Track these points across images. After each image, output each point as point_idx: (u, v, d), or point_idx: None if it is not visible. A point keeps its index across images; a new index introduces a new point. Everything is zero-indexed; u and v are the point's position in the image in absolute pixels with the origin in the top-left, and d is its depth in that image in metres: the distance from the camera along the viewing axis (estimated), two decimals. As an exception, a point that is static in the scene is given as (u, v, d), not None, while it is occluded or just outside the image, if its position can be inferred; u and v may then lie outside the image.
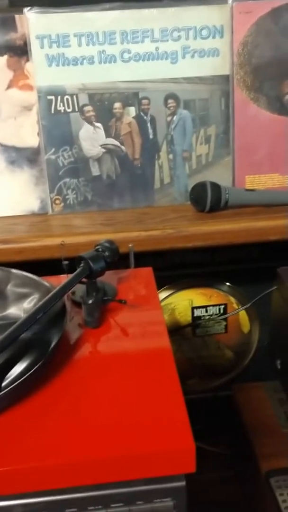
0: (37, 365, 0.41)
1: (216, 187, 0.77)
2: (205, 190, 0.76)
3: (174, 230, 0.74)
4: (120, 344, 0.49)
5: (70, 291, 0.58)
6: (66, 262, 0.59)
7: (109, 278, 0.61)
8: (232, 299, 1.00)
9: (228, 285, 1.00)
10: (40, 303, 0.47)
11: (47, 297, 0.49)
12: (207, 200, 0.76)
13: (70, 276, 0.53)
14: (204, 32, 0.75)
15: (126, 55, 0.75)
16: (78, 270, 0.54)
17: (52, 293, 0.49)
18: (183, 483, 0.40)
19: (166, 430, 0.39)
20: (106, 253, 0.57)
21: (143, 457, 0.38)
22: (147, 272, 0.63)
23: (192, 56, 0.76)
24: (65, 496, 0.39)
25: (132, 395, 0.42)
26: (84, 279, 0.55)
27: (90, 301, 0.52)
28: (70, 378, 0.44)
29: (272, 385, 0.80)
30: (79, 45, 0.74)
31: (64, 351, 0.47)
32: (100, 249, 0.57)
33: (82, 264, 0.55)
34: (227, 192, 0.77)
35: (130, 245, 0.65)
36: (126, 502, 0.40)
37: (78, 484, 0.38)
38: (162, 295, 0.99)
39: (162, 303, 0.99)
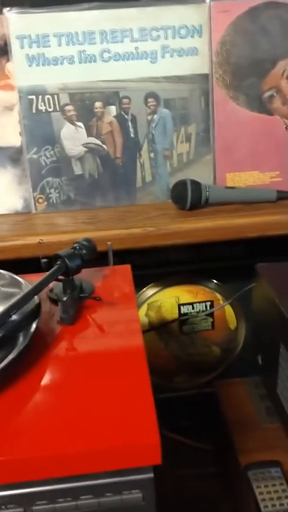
0: (7, 362, 0.42)
1: (196, 185, 0.77)
2: (186, 188, 0.77)
3: (154, 228, 0.75)
4: (94, 341, 0.50)
5: (49, 288, 0.59)
6: (44, 260, 0.60)
7: (88, 275, 0.62)
8: (218, 296, 1.01)
9: (214, 282, 1.01)
10: (13, 300, 0.48)
11: (21, 295, 0.49)
12: (187, 198, 0.77)
13: (46, 274, 0.54)
14: (183, 32, 0.76)
15: (106, 55, 0.76)
16: (54, 268, 0.54)
17: (26, 291, 0.50)
18: (151, 475, 0.40)
19: (133, 424, 0.39)
20: (84, 251, 0.58)
21: (111, 450, 0.39)
22: (125, 270, 0.64)
23: (172, 56, 0.77)
24: (35, 489, 0.40)
25: (103, 391, 0.43)
26: (61, 277, 0.56)
27: (65, 298, 0.53)
28: (42, 374, 0.45)
29: (254, 380, 0.81)
30: (59, 45, 0.75)
31: (37, 348, 0.48)
32: (77, 247, 0.58)
33: (58, 262, 0.55)
34: (207, 189, 0.78)
35: (109, 243, 0.66)
36: (95, 494, 0.40)
37: (48, 477, 0.39)
38: (149, 292, 1.00)
39: (149, 301, 1.00)
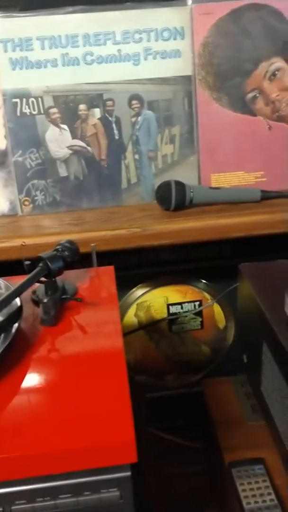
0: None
1: (180, 186, 0.78)
2: (170, 189, 0.78)
3: (140, 229, 0.75)
4: (74, 342, 0.50)
5: (32, 290, 0.60)
6: (28, 263, 0.61)
7: (71, 277, 0.63)
8: (207, 295, 1.01)
9: (203, 282, 1.01)
10: (-6, 302, 0.48)
11: (2, 297, 0.50)
12: (172, 199, 0.78)
13: (27, 276, 0.54)
14: (165, 34, 0.77)
15: (89, 58, 0.76)
16: (36, 270, 0.55)
17: (8, 292, 0.51)
18: (128, 473, 0.41)
19: (109, 423, 0.40)
20: (66, 253, 0.58)
21: (87, 448, 0.39)
22: (108, 271, 0.64)
23: (154, 58, 0.77)
24: (14, 488, 0.40)
25: (81, 391, 0.44)
26: (43, 279, 0.56)
27: (46, 300, 0.53)
28: (21, 375, 0.45)
29: (240, 379, 0.82)
30: (42, 48, 0.75)
31: (18, 349, 0.48)
32: (60, 249, 0.59)
33: (41, 264, 0.56)
34: (191, 190, 0.78)
35: (92, 245, 0.66)
36: (74, 493, 0.41)
37: (26, 476, 0.40)
38: (138, 293, 1.01)
39: (138, 301, 1.01)
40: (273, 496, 0.59)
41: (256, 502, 0.59)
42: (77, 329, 0.53)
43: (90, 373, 0.45)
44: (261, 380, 0.67)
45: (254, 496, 0.60)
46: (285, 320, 0.58)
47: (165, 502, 0.80)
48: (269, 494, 0.60)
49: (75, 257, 0.60)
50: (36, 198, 0.82)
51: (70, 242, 0.60)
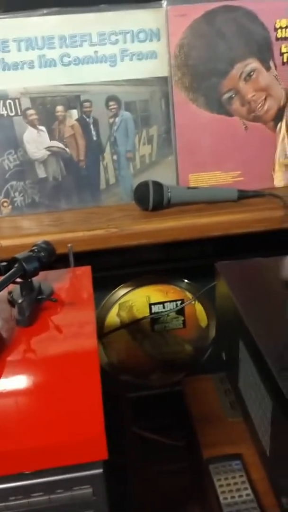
0: None
1: (158, 186, 0.79)
2: (148, 190, 0.78)
3: (118, 229, 0.76)
4: (48, 343, 0.51)
5: (8, 291, 0.60)
6: (4, 264, 0.61)
7: (48, 277, 0.63)
8: (188, 294, 1.02)
9: (184, 281, 1.02)
10: None
11: (-24, 298, 0.50)
12: (149, 199, 0.78)
13: (3, 277, 0.54)
14: (141, 36, 0.77)
15: (65, 59, 0.77)
16: (11, 271, 0.55)
17: (-18, 294, 0.51)
18: (100, 470, 0.42)
19: (80, 422, 0.41)
20: (42, 254, 0.59)
21: (58, 446, 0.40)
22: (85, 271, 0.65)
23: (131, 59, 0.78)
24: (-14, 488, 0.41)
25: (54, 391, 0.44)
26: (19, 279, 0.56)
27: (20, 301, 0.54)
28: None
29: (219, 376, 0.82)
30: (19, 50, 0.75)
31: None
32: (36, 250, 0.59)
33: (16, 265, 0.56)
34: (169, 190, 0.79)
35: (69, 245, 0.67)
36: (46, 491, 0.41)
37: (-2, 476, 0.40)
38: (120, 292, 1.01)
39: (120, 301, 1.02)
40: (249, 491, 0.60)
41: (232, 497, 0.60)
42: (52, 330, 0.53)
43: (63, 373, 0.46)
44: (239, 377, 0.68)
45: (230, 491, 0.60)
46: (259, 318, 0.59)
47: (149, 500, 0.80)
48: (245, 489, 0.60)
49: (51, 258, 0.60)
50: (15, 199, 0.82)
51: (46, 242, 0.60)
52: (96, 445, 0.39)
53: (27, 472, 0.40)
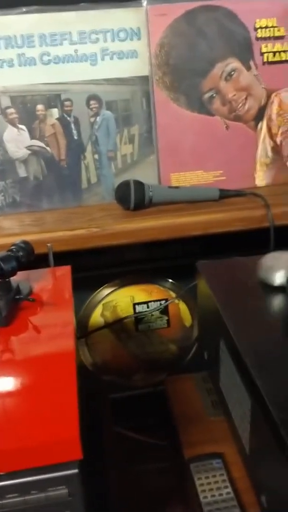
0: None
1: (139, 185, 0.79)
2: (129, 189, 0.78)
3: (99, 229, 0.76)
4: (25, 343, 0.50)
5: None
6: (-18, 264, 0.60)
7: (27, 277, 0.63)
8: (172, 294, 1.02)
9: (168, 281, 1.02)
10: None
11: None
12: (131, 198, 0.78)
13: (-21, 277, 0.54)
14: (122, 35, 0.77)
15: (45, 58, 0.76)
16: (-12, 270, 0.55)
17: None
18: (75, 470, 0.41)
19: (55, 422, 0.40)
20: (20, 253, 0.58)
21: (32, 447, 0.39)
22: (65, 271, 0.64)
23: (111, 58, 0.78)
24: None
25: (30, 391, 0.44)
26: (-4, 279, 0.56)
27: (-3, 300, 0.53)
28: None
29: (202, 375, 0.83)
30: (-2, 48, 0.75)
31: None
32: (14, 250, 0.59)
33: (-7, 265, 0.56)
34: (150, 190, 0.79)
35: (48, 245, 0.66)
36: (21, 492, 0.41)
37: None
38: (104, 292, 1.01)
39: (104, 301, 1.01)
40: (229, 489, 0.60)
41: (213, 495, 0.60)
42: (29, 330, 0.53)
43: (39, 374, 0.45)
44: (220, 376, 0.68)
45: (211, 490, 0.60)
46: (238, 316, 0.59)
47: (133, 499, 0.80)
48: (225, 487, 0.60)
49: (30, 258, 0.60)
50: (-5, 199, 0.81)
51: (25, 242, 0.60)
52: (70, 445, 0.39)
53: (1, 474, 0.40)
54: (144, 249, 1.00)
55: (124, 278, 1.01)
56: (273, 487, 0.51)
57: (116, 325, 1.03)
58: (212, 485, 0.61)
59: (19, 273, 0.62)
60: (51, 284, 0.62)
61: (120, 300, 1.01)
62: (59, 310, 0.56)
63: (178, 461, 0.71)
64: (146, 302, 1.02)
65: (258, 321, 0.58)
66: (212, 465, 0.64)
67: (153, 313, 1.03)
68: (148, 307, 1.03)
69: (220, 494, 0.60)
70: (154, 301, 1.02)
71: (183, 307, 1.04)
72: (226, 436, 0.68)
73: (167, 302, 1.01)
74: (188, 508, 0.66)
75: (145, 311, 1.02)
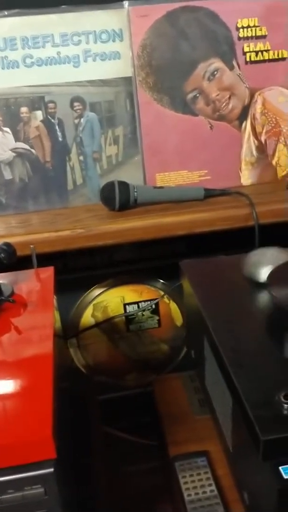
0: None
1: (124, 186, 0.79)
2: (114, 190, 0.78)
3: (84, 230, 0.76)
4: (2, 343, 0.51)
5: None
6: None
7: (9, 278, 0.63)
8: (162, 293, 1.02)
9: (159, 281, 1.02)
10: None
11: None
12: (116, 199, 0.78)
13: None
14: (104, 36, 0.77)
15: (28, 60, 0.77)
16: None
17: None
18: (51, 469, 0.41)
19: (29, 421, 0.41)
20: (2, 255, 0.59)
21: (6, 446, 0.40)
22: (48, 272, 0.65)
23: (94, 60, 0.78)
24: None
25: (5, 391, 0.44)
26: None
27: (-24, 302, 0.54)
28: None
29: (189, 374, 0.83)
30: (-19, 52, 0.75)
31: None
32: (-4, 252, 0.59)
33: (-25, 267, 0.56)
34: (135, 190, 0.79)
35: (31, 246, 0.67)
36: (-3, 492, 0.41)
37: None
38: (94, 293, 1.01)
39: (94, 302, 1.02)
40: (213, 487, 0.60)
41: (196, 493, 0.60)
42: (8, 331, 0.53)
43: (15, 374, 0.46)
44: (205, 375, 0.69)
45: (195, 488, 0.61)
46: (219, 315, 0.59)
47: (122, 499, 0.81)
48: (209, 485, 0.61)
49: (12, 259, 0.60)
50: (-19, 201, 0.82)
51: (7, 244, 0.61)
52: (44, 444, 0.39)
53: (-24, 474, 0.40)
54: (135, 250, 1.00)
55: (115, 278, 1.01)
56: (253, 483, 0.52)
57: (107, 326, 1.03)
58: (196, 483, 0.61)
59: (1, 274, 0.62)
60: (33, 285, 0.63)
61: (110, 300, 1.02)
62: (39, 311, 0.57)
63: (164, 460, 0.71)
64: (137, 302, 1.03)
65: (239, 319, 0.59)
66: (197, 463, 0.64)
67: (144, 313, 1.03)
68: (138, 307, 1.03)
69: (204, 492, 0.60)
70: (144, 301, 1.02)
71: (174, 306, 1.04)
72: (212, 434, 0.68)
73: (154, 301, 1.01)
74: (173, 506, 0.66)
75: (135, 311, 1.02)
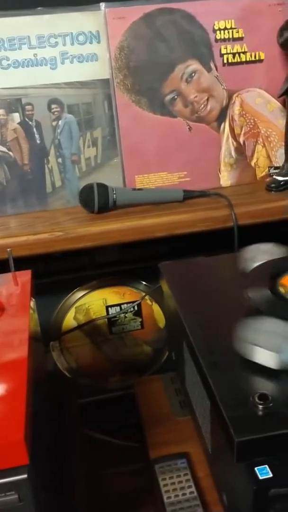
0: None
1: (103, 188, 0.79)
2: (92, 192, 0.78)
3: (62, 233, 0.76)
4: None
5: None
6: None
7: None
8: (146, 296, 1.02)
9: (141, 283, 1.02)
10: None
11: None
12: (94, 201, 0.78)
13: None
14: (81, 38, 0.77)
15: (5, 62, 0.76)
16: None
17: None
18: (24, 475, 0.41)
19: (0, 427, 0.40)
20: (-22, 259, 0.58)
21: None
22: (25, 276, 0.64)
23: (71, 62, 0.78)
24: None
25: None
26: None
27: None
28: None
29: (171, 376, 0.83)
30: None
31: None
32: (-29, 256, 0.58)
33: None
34: (114, 192, 0.79)
35: (8, 249, 0.66)
36: None
37: None
38: (76, 295, 1.01)
39: (76, 304, 1.01)
40: (193, 489, 0.60)
41: (176, 495, 0.60)
42: (-17, 335, 0.52)
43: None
44: (185, 376, 0.69)
45: (175, 490, 0.61)
46: (196, 317, 0.59)
47: (102, 502, 0.80)
48: (189, 487, 0.61)
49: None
50: None
51: (-17, 248, 0.60)
52: (16, 450, 0.39)
53: None
54: (117, 252, 1.00)
55: (97, 281, 1.01)
56: (231, 484, 0.52)
57: (90, 329, 1.03)
58: (176, 485, 0.61)
59: (-23, 279, 0.62)
60: (9, 289, 0.62)
61: (92, 303, 1.01)
62: (14, 316, 0.56)
63: (145, 462, 0.71)
64: (119, 304, 1.02)
65: (216, 321, 0.59)
66: (177, 465, 0.64)
67: (126, 315, 1.03)
68: (121, 309, 1.03)
69: (184, 494, 0.60)
70: (127, 303, 1.02)
71: (156, 308, 1.04)
72: (192, 435, 0.68)
73: (135, 303, 1.01)
74: (154, 509, 0.66)
75: (117, 313, 1.02)
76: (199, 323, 0.58)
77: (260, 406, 0.45)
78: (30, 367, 0.47)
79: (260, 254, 0.67)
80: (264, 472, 0.44)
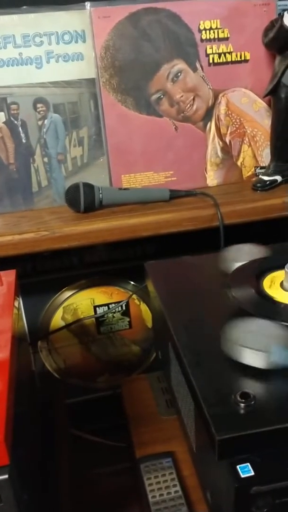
0: None
1: (89, 187, 0.79)
2: (78, 191, 0.78)
3: (48, 232, 0.75)
4: None
5: None
6: None
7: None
8: (133, 296, 1.02)
9: (129, 282, 1.02)
10: None
11: None
12: (80, 200, 0.78)
13: None
14: (66, 37, 0.77)
15: (-11, 61, 0.76)
16: None
17: None
18: (5, 476, 0.41)
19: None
20: None
21: None
22: (9, 276, 0.64)
23: (57, 61, 0.78)
24: None
25: None
26: None
27: None
28: None
29: (157, 375, 0.83)
30: None
31: None
32: None
33: None
34: (100, 192, 0.79)
35: (-7, 249, 0.66)
36: None
37: None
38: (64, 295, 1.01)
39: (64, 304, 1.01)
40: (178, 488, 0.60)
41: (161, 495, 0.60)
42: None
43: None
44: (171, 375, 0.69)
45: (160, 489, 0.61)
46: (180, 316, 0.60)
47: (88, 501, 0.80)
48: (174, 486, 0.61)
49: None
50: None
51: None
52: (-4, 450, 0.39)
53: None
54: (105, 251, 1.00)
55: (85, 280, 1.01)
56: (214, 482, 0.52)
57: (78, 329, 1.03)
58: (161, 484, 0.61)
59: None
60: (-6, 288, 0.62)
61: (80, 303, 1.01)
62: (-1, 316, 0.56)
63: (131, 462, 0.71)
64: (107, 304, 1.02)
65: (200, 320, 0.59)
66: (162, 464, 0.64)
67: (114, 315, 1.03)
68: (109, 308, 1.03)
69: (169, 493, 0.60)
70: (115, 303, 1.02)
71: (144, 308, 1.05)
72: (178, 434, 0.68)
73: (122, 303, 1.01)
74: (140, 508, 0.66)
75: (104, 312, 1.02)
76: (183, 322, 0.58)
77: (242, 405, 0.45)
78: (13, 368, 0.47)
79: (241, 254, 0.67)
80: (246, 470, 0.44)
